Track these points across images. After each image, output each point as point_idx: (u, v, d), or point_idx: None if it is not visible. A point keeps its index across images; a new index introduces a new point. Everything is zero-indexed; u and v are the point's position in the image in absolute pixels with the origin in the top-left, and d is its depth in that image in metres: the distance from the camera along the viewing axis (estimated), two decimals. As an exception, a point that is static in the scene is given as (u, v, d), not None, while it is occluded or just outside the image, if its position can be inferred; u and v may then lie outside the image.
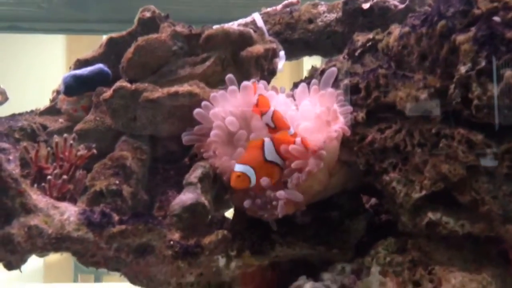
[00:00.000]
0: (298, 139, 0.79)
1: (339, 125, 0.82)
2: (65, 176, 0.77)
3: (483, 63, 0.70)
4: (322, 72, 0.92)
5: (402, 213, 0.81)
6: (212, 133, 0.85)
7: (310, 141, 0.79)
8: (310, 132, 0.82)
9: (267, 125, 0.84)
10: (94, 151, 0.83)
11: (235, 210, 0.90)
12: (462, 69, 0.72)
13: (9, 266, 0.81)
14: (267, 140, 0.82)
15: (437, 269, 0.78)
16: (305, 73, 1.02)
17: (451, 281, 0.75)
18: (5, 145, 0.88)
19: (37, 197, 0.74)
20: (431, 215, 0.79)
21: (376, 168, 0.83)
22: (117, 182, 0.82)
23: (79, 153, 0.80)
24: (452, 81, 0.74)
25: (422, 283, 0.78)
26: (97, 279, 2.38)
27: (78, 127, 0.91)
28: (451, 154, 0.75)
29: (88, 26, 1.74)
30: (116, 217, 0.74)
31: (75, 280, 2.37)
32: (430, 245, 0.81)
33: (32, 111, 1.07)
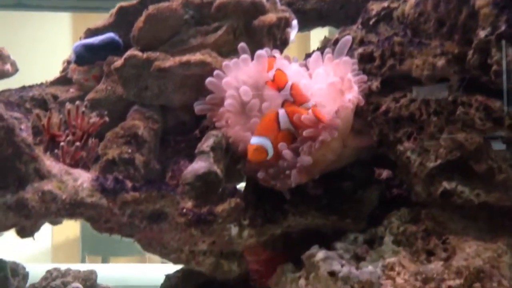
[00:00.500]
0: (310, 110, 0.79)
1: (353, 94, 0.81)
2: (78, 143, 0.77)
3: (503, 27, 0.69)
4: (336, 41, 0.91)
5: (416, 183, 0.80)
6: (226, 102, 0.84)
7: (324, 110, 0.78)
8: (324, 101, 0.81)
9: (286, 100, 0.84)
10: (106, 118, 0.83)
11: (247, 180, 0.89)
12: (481, 33, 0.70)
13: (23, 233, 0.82)
14: (281, 111, 0.81)
15: (451, 239, 0.77)
16: (312, 47, 1.01)
17: (465, 250, 0.75)
18: (17, 114, 0.88)
19: (50, 163, 0.74)
20: (446, 185, 0.78)
21: (390, 138, 0.82)
22: (130, 150, 0.82)
23: (91, 121, 0.80)
24: (470, 47, 0.73)
25: (435, 252, 0.77)
26: (104, 260, 2.41)
27: (89, 96, 0.90)
28: (468, 122, 0.74)
29: (95, 3, 1.73)
30: (129, 184, 0.74)
31: (83, 261, 2.39)
32: (444, 215, 0.81)
33: (42, 84, 1.06)
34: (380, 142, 0.84)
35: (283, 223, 0.84)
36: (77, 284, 1.26)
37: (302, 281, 0.80)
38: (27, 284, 1.24)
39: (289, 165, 0.81)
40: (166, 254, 0.79)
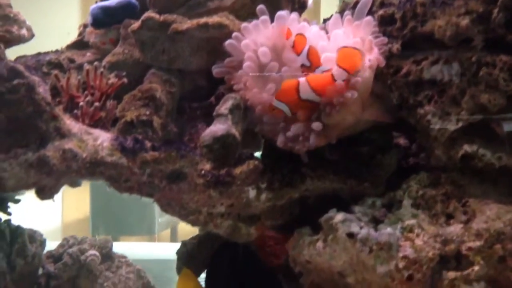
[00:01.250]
0: (335, 67, 0.77)
1: (374, 56, 0.80)
2: (97, 103, 0.77)
3: (531, -16, 0.67)
4: (355, 4, 0.89)
5: (436, 146, 0.80)
6: (245, 64, 0.83)
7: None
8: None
9: (303, 65, 0.83)
10: (125, 79, 0.83)
11: (264, 144, 0.89)
12: (508, -10, 0.69)
13: (42, 194, 0.82)
14: (302, 80, 0.80)
15: (471, 202, 0.77)
16: (323, 13, 0.99)
17: (485, 212, 0.74)
18: (35, 77, 0.87)
19: (70, 123, 0.74)
20: (467, 148, 0.77)
21: (411, 101, 0.81)
22: (147, 113, 0.82)
23: (109, 81, 0.80)
24: (495, 5, 0.71)
25: (455, 215, 0.77)
26: (114, 240, 2.44)
27: (106, 59, 0.90)
28: (491, 83, 0.73)
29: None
30: (148, 144, 0.74)
31: (93, 241, 2.42)
32: (464, 179, 0.80)
33: (57, 50, 1.06)
34: (400, 105, 0.83)
35: (301, 187, 0.84)
36: (94, 251, 1.28)
37: (319, 244, 0.80)
38: (44, 251, 1.26)
39: (308, 128, 0.81)
40: (184, 215, 0.80)
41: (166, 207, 0.79)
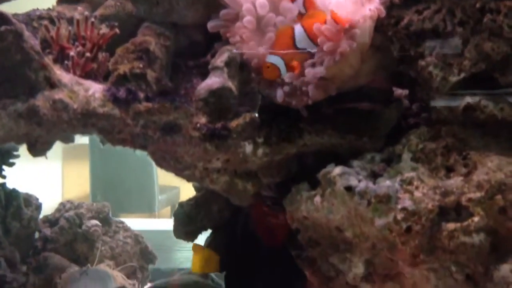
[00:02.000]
0: (329, 17, 0.75)
1: (374, 5, 0.77)
2: (88, 54, 0.74)
3: None
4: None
5: (438, 98, 0.78)
6: (245, 19, 0.81)
7: (343, 18, 0.74)
8: (343, 11, 0.77)
9: (299, 13, 0.80)
10: (117, 30, 0.80)
11: (261, 98, 0.87)
12: None
13: (34, 150, 0.81)
14: (297, 26, 0.78)
15: (472, 154, 0.75)
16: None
17: (487, 164, 0.73)
18: (23, 25, 0.85)
19: (60, 73, 0.72)
20: (469, 99, 0.75)
21: (412, 53, 0.79)
22: (141, 66, 0.79)
23: (101, 32, 0.77)
24: None
25: (455, 168, 0.75)
26: (113, 216, 2.45)
27: (98, 12, 0.87)
28: (495, 30, 0.71)
29: None
30: (142, 95, 0.72)
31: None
32: (465, 132, 0.78)
33: (48, 8, 1.03)
34: (401, 58, 0.80)
35: (299, 142, 0.82)
36: (95, 221, 1.27)
37: (317, 198, 0.79)
38: (40, 216, 1.25)
39: (306, 81, 0.79)
40: (180, 170, 0.78)
41: (161, 161, 0.77)
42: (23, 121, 0.68)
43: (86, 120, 0.70)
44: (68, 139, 0.81)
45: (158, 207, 3.15)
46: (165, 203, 3.29)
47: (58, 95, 0.69)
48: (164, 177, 3.16)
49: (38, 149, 0.80)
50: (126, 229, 1.34)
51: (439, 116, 0.79)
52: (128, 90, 0.72)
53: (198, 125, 0.76)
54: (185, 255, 1.91)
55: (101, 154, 3.16)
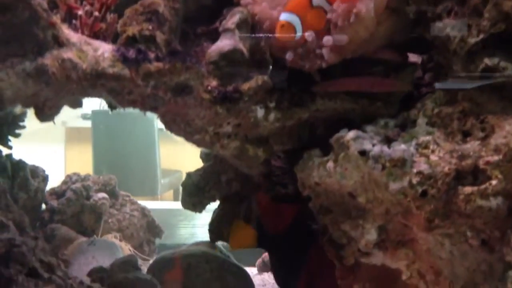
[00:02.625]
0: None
1: (391, -35, 0.75)
2: (96, 13, 0.72)
3: None
4: None
5: (455, 61, 0.76)
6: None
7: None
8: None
9: None
10: (126, -11, 0.78)
11: (273, 62, 0.85)
12: None
13: (42, 113, 0.79)
14: None
15: (490, 118, 0.73)
16: None
17: (505, 127, 0.71)
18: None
19: (69, 32, 0.70)
20: (487, 61, 0.73)
21: (429, 14, 0.77)
22: (150, 28, 0.77)
23: (109, -9, 0.75)
24: None
25: (472, 132, 0.74)
26: None
27: (105, -26, 0.85)
28: (516, -12, 0.69)
29: None
30: (152, 55, 0.70)
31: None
32: (482, 95, 0.76)
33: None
34: (417, 20, 0.78)
35: (311, 106, 0.81)
36: (102, 194, 1.27)
37: (330, 164, 0.78)
38: (47, 188, 1.25)
39: (320, 44, 0.77)
40: (190, 133, 0.77)
41: (171, 124, 0.76)
42: (32, 80, 0.67)
43: (95, 80, 0.69)
44: (76, 104, 0.80)
45: (160, 191, 3.16)
46: (168, 186, 3.29)
47: (67, 54, 0.68)
48: (167, 161, 3.16)
49: (46, 113, 0.79)
50: (133, 202, 1.34)
51: (455, 79, 0.77)
52: (138, 50, 0.70)
53: (209, 87, 0.74)
54: (189, 231, 1.91)
55: (104, 138, 3.16)
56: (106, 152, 3.10)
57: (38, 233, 1.04)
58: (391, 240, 0.78)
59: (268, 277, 1.34)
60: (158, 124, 3.14)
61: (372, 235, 0.78)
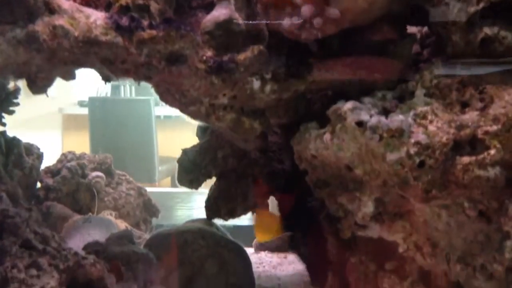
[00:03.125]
0: None
1: None
2: (88, -20, 0.71)
3: None
4: None
5: (454, 31, 0.75)
6: None
7: None
8: None
9: None
10: (118, -44, 0.76)
11: (269, 33, 0.84)
12: None
13: (35, 85, 0.78)
14: None
15: (489, 88, 0.73)
16: None
17: (504, 97, 0.70)
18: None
19: (60, -1, 0.68)
20: (487, 30, 0.72)
21: (428, -17, 0.76)
22: (144, -3, 0.76)
23: (102, -42, 0.73)
24: None
25: (471, 103, 0.73)
26: None
27: None
28: (518, -46, 0.67)
29: None
30: (145, 22, 0.69)
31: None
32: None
33: None
34: (416, -10, 0.77)
35: (308, 78, 0.79)
36: (98, 173, 1.26)
37: (327, 136, 0.77)
38: (41, 166, 1.23)
39: (316, 14, 0.75)
40: (185, 105, 0.76)
41: (166, 95, 0.75)
42: (22, 47, 0.65)
43: (88, 48, 0.67)
44: (69, 75, 0.78)
45: (158, 178, 3.15)
46: (165, 173, 3.29)
47: (58, 21, 0.66)
48: (164, 148, 3.16)
49: (38, 85, 0.77)
50: (129, 181, 1.33)
51: (455, 49, 0.76)
52: (132, 18, 0.69)
53: (204, 58, 0.73)
54: (186, 213, 1.91)
55: (101, 125, 3.15)
56: (103, 139, 3.09)
57: (31, 205, 1.03)
58: (388, 213, 0.78)
59: (265, 255, 1.34)
60: (156, 111, 3.12)
61: (369, 208, 0.78)
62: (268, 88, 0.78)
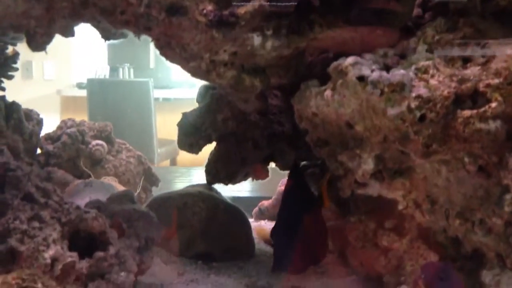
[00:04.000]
0: None
1: None
2: None
3: None
4: None
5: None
6: None
7: None
8: None
9: None
10: None
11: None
12: None
13: (34, 42, 0.77)
14: None
15: (491, 44, 0.72)
16: None
17: (506, 51, 0.70)
18: None
19: (58, -52, 0.67)
20: (490, -16, 0.72)
21: None
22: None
23: None
24: None
25: (473, 58, 0.73)
26: None
27: None
28: None
29: None
30: (145, -27, 0.68)
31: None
32: (484, 22, 0.75)
33: None
34: None
35: (309, 34, 0.79)
36: (99, 141, 1.25)
37: (328, 92, 0.77)
38: (41, 133, 1.23)
39: (318, -31, 0.74)
40: (185, 59, 0.75)
41: (166, 50, 0.74)
42: (21, -3, 0.65)
43: (87, -1, 0.67)
44: (68, 32, 0.78)
45: (157, 160, 3.15)
46: (164, 156, 3.29)
47: (56, -29, 0.65)
48: (163, 131, 3.15)
49: (38, 41, 0.77)
50: (129, 149, 1.33)
51: (457, 6, 0.75)
52: (131, -31, 0.68)
53: (205, 11, 0.72)
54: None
55: (100, 107, 3.14)
56: (102, 117, 3.08)
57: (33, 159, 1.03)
58: (388, 170, 0.78)
59: (265, 223, 1.35)
60: (155, 94, 3.11)
61: (369, 165, 0.78)
62: (269, 44, 0.78)
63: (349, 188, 0.83)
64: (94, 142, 1.25)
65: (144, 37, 0.75)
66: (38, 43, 0.77)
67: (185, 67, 0.77)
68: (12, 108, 1.13)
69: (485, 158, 0.70)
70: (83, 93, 3.29)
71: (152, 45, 0.76)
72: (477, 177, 0.71)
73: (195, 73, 0.79)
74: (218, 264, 1.02)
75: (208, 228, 1.01)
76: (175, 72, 3.74)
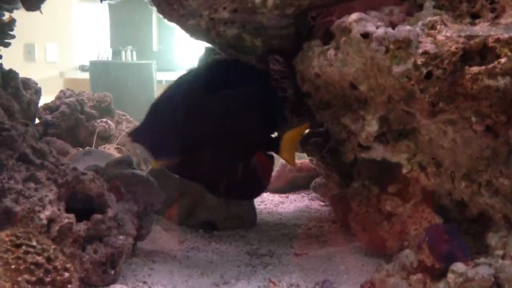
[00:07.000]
0: None
1: None
2: None
3: None
4: None
5: None
6: None
7: None
8: None
9: None
10: None
11: None
12: None
13: (29, 2, 0.75)
14: None
15: (500, -1, 0.69)
16: None
17: (517, 6, 0.67)
18: None
19: None
20: None
21: None
22: None
23: None
24: None
25: (482, 14, 0.70)
26: None
27: None
28: None
29: None
30: None
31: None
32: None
33: None
34: None
35: (309, -6, 0.76)
36: (106, 120, 1.24)
37: (331, 51, 0.74)
38: (39, 103, 1.22)
39: None
40: (184, 16, 0.73)
41: (164, 6, 0.71)
42: None
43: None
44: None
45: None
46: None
47: None
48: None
49: (32, 1, 0.74)
50: (129, 120, 1.31)
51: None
52: None
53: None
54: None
55: (102, 89, 3.12)
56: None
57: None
58: (392, 132, 0.76)
59: (267, 195, 1.34)
60: (158, 76, 3.09)
61: (373, 127, 0.76)
62: (270, 2, 0.75)
63: (352, 152, 0.81)
64: (98, 120, 1.24)
65: (148, 19, 0.73)
66: (31, 2, 0.75)
67: (183, 25, 0.75)
68: (9, 76, 1.11)
69: (492, 117, 0.67)
70: (86, 75, 3.27)
71: (155, 28, 0.73)
72: (484, 137, 0.69)
73: (194, 32, 0.76)
74: (220, 232, 1.01)
75: (209, 196, 0.99)
76: (178, 55, 3.73)
